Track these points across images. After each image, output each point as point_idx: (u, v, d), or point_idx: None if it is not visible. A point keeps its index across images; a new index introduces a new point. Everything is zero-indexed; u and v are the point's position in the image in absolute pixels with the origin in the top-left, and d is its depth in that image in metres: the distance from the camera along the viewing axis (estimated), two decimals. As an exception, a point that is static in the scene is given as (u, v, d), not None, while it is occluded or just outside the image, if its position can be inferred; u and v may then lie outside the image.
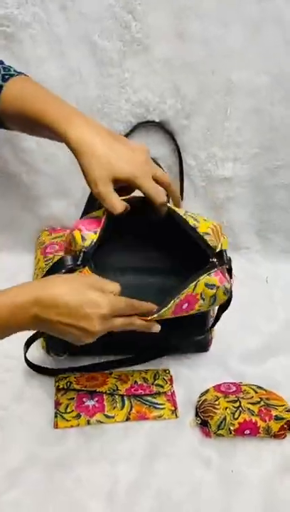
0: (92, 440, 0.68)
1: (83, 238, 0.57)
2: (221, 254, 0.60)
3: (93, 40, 0.73)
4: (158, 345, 0.75)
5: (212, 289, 0.60)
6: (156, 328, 0.58)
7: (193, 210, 0.90)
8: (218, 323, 0.71)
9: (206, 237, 0.60)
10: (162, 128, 0.82)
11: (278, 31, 0.75)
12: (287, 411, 0.69)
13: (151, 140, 0.83)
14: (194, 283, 0.58)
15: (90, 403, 0.70)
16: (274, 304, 0.91)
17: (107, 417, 0.69)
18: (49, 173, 0.83)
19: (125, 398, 0.71)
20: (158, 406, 0.70)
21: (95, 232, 0.58)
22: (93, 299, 0.51)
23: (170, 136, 0.83)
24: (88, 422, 0.68)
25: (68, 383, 0.71)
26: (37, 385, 0.73)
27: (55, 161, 0.81)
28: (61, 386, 0.71)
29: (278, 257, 0.98)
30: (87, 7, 0.70)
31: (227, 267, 0.61)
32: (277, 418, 0.67)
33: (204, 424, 0.68)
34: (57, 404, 0.70)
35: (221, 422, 0.66)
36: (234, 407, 0.67)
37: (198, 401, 0.70)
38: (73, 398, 0.70)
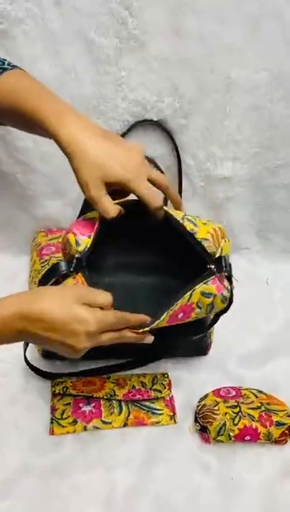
0: (88, 446, 0.67)
1: (77, 243, 0.56)
2: (220, 261, 0.58)
3: (89, 37, 0.71)
4: (157, 347, 0.73)
5: (209, 297, 0.58)
6: (149, 339, 0.56)
7: (192, 210, 0.90)
8: (217, 326, 0.70)
9: (204, 243, 0.58)
10: (160, 127, 0.81)
11: (278, 28, 0.74)
12: (288, 416, 0.67)
13: (148, 139, 0.82)
14: (189, 293, 0.56)
15: (87, 409, 0.68)
16: (274, 304, 0.90)
17: (104, 423, 0.67)
18: (45, 172, 0.82)
19: (122, 403, 0.69)
20: (156, 411, 0.69)
21: (89, 237, 0.56)
22: (80, 315, 0.49)
23: (169, 135, 0.81)
24: (85, 428, 0.67)
25: (64, 388, 0.69)
26: (33, 390, 0.72)
27: (50, 160, 0.80)
28: (57, 391, 0.69)
29: (278, 257, 0.97)
30: (82, 2, 0.69)
31: (226, 274, 0.58)
32: (278, 424, 0.66)
33: (203, 430, 0.66)
34: (53, 409, 0.68)
35: (220, 428, 0.65)
36: (234, 412, 0.66)
37: (197, 406, 0.69)
38: (69, 403, 0.69)
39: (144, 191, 0.54)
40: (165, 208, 0.58)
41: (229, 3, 0.71)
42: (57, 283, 0.55)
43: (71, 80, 0.75)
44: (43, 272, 0.57)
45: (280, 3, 0.72)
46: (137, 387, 0.71)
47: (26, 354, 0.68)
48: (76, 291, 0.52)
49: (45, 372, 0.72)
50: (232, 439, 0.65)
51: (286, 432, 0.66)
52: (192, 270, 0.57)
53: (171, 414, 0.69)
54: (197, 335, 0.69)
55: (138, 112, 0.79)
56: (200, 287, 0.56)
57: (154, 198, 0.55)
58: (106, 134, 0.54)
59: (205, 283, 0.57)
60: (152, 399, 0.70)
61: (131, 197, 0.57)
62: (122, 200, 0.57)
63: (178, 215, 0.60)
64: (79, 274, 0.55)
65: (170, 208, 0.60)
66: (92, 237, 0.56)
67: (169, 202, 0.61)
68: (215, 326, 0.69)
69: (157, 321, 0.54)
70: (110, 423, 0.67)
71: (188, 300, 0.56)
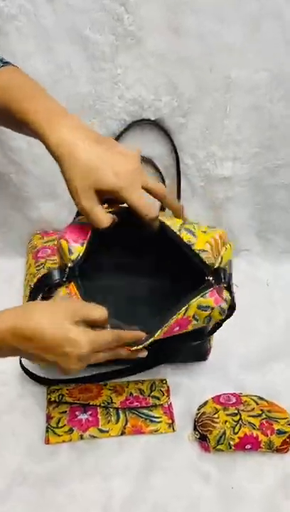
0: (85, 455, 0.65)
1: (70, 251, 0.53)
2: (218, 272, 0.55)
3: (84, 34, 0.69)
4: (156, 353, 0.71)
5: (206, 310, 0.56)
6: (143, 354, 0.55)
7: (192, 211, 0.89)
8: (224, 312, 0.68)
9: (202, 255, 0.55)
10: (157, 126, 0.78)
11: (278, 27, 0.72)
12: (289, 424, 0.66)
13: (146, 139, 0.80)
14: (185, 307, 0.54)
15: (83, 417, 0.67)
16: (274, 307, 0.89)
17: (101, 431, 0.66)
18: (39, 173, 0.80)
19: (120, 411, 0.68)
20: (154, 419, 0.68)
21: (82, 244, 0.54)
22: (72, 337, 0.47)
23: (167, 134, 0.79)
24: (81, 437, 0.65)
25: (60, 396, 0.68)
26: (29, 398, 0.70)
27: (45, 161, 0.77)
28: (53, 399, 0.68)
29: (278, 258, 0.96)
30: (76, -2, 0.67)
31: (225, 285, 0.56)
32: (279, 432, 0.64)
33: (203, 439, 0.65)
34: (48, 418, 0.67)
35: (220, 437, 0.63)
36: (234, 420, 0.64)
37: (197, 414, 0.67)
38: (65, 412, 0.67)
39: (137, 201, 0.51)
40: (160, 218, 0.55)
41: (229, 3, 0.69)
42: (50, 291, 0.54)
43: (65, 77, 0.72)
44: (36, 280, 0.55)
45: (280, 3, 0.70)
46: (135, 394, 0.69)
47: (22, 359, 0.67)
48: (69, 307, 0.50)
49: (41, 378, 0.70)
50: (233, 447, 0.64)
51: (288, 440, 0.65)
52: (189, 281, 0.55)
53: (170, 422, 0.68)
54: (197, 341, 0.68)
55: (136, 111, 0.77)
56: (196, 301, 0.54)
57: (148, 208, 0.52)
58: (99, 138, 0.51)
59: (202, 296, 0.54)
60: (150, 406, 0.68)
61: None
62: (116, 207, 0.55)
63: (176, 223, 0.56)
64: (72, 283, 0.53)
65: (167, 218, 0.57)
66: (84, 245, 0.53)
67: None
68: (215, 330, 0.67)
69: (152, 338, 0.53)
70: (107, 432, 0.66)
71: (184, 314, 0.54)
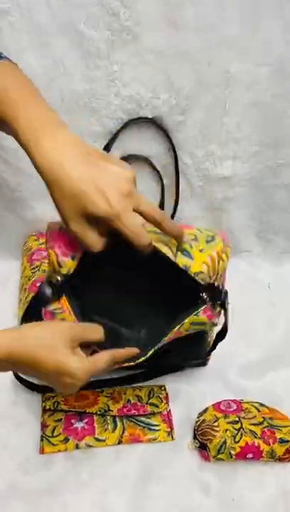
0: (81, 464, 0.64)
1: (59, 264, 0.51)
2: (213, 289, 0.53)
3: (78, 29, 0.67)
4: (156, 367, 0.71)
5: (198, 325, 0.55)
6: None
7: (190, 212, 0.87)
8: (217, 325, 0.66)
9: (199, 277, 0.53)
10: (155, 124, 0.76)
11: (279, 20, 0.69)
12: (292, 432, 0.64)
13: (143, 137, 0.78)
14: (178, 327, 0.53)
15: (79, 425, 0.65)
16: (275, 309, 0.87)
17: (98, 440, 0.64)
18: (33, 172, 0.76)
19: (117, 419, 0.66)
20: (152, 427, 0.65)
21: (73, 258, 0.51)
22: (68, 370, 0.47)
23: (165, 133, 0.77)
24: (77, 446, 0.63)
25: (55, 403, 0.66)
26: (23, 405, 0.68)
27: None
28: (48, 406, 0.65)
29: (279, 258, 0.94)
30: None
31: (219, 302, 0.55)
32: (282, 441, 0.62)
33: (203, 448, 0.63)
34: (43, 426, 0.65)
35: (221, 446, 0.61)
36: (235, 428, 0.62)
37: (196, 421, 0.65)
38: (61, 420, 0.65)
39: (129, 230, 0.47)
40: (155, 244, 0.51)
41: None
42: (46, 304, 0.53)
43: (60, 75, 0.70)
44: (30, 300, 0.56)
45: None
46: (132, 402, 0.67)
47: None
48: (67, 333, 0.49)
49: (35, 385, 0.68)
50: (233, 457, 0.62)
51: (291, 449, 0.63)
52: (183, 296, 0.54)
53: (169, 430, 0.66)
54: (197, 359, 0.68)
55: (133, 109, 0.74)
56: (189, 319, 0.53)
57: (140, 236, 0.47)
58: (88, 155, 0.46)
59: (195, 314, 0.53)
60: (148, 414, 0.66)
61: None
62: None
63: (172, 245, 0.52)
64: (64, 298, 0.52)
65: (162, 238, 0.52)
66: (76, 260, 0.50)
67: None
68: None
69: (144, 357, 0.53)
70: (104, 440, 0.64)
71: (177, 330, 0.54)
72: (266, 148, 0.80)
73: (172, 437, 0.65)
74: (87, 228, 0.47)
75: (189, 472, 0.63)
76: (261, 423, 0.64)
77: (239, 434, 0.62)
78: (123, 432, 0.64)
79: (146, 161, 0.80)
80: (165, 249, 0.52)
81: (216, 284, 0.54)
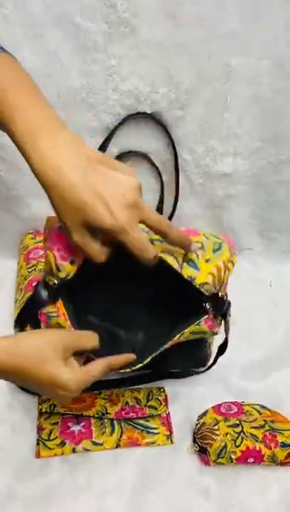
0: (78, 469, 0.62)
1: (58, 268, 0.49)
2: (217, 299, 0.52)
3: (74, 21, 0.65)
4: (156, 372, 0.70)
5: (199, 334, 0.54)
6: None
7: (190, 209, 0.85)
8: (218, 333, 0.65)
9: (204, 288, 0.51)
10: (154, 119, 0.74)
11: (281, 12, 0.67)
12: (294, 436, 0.62)
13: (142, 133, 0.76)
14: (178, 336, 0.52)
15: (76, 428, 0.63)
16: (277, 308, 0.86)
17: (95, 444, 0.62)
18: (29, 169, 0.75)
19: (115, 422, 0.64)
20: (151, 431, 0.64)
21: (72, 262, 0.48)
22: (60, 381, 0.46)
23: (164, 128, 0.75)
24: (73, 450, 0.62)
25: (52, 406, 0.64)
26: (19, 408, 0.67)
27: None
28: (44, 409, 0.64)
29: (281, 257, 0.93)
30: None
31: (221, 312, 0.53)
32: (283, 445, 0.61)
33: (202, 452, 0.61)
34: (39, 429, 0.63)
35: (221, 450, 0.60)
36: (235, 432, 0.61)
37: (196, 424, 0.63)
38: (57, 423, 0.64)
39: (134, 244, 0.44)
40: (160, 255, 0.49)
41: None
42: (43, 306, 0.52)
43: (56, 69, 0.68)
44: (25, 301, 0.54)
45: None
46: (131, 404, 0.66)
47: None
48: (60, 343, 0.47)
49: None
50: (234, 461, 0.60)
51: (293, 453, 0.61)
52: (186, 306, 0.52)
53: (168, 433, 0.64)
54: (197, 368, 0.67)
55: (131, 104, 0.72)
56: (190, 329, 0.52)
57: (146, 250, 0.45)
58: (90, 161, 0.43)
59: (196, 324, 0.52)
60: (147, 417, 0.65)
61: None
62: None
63: (178, 255, 0.50)
64: (60, 301, 0.50)
65: (167, 247, 0.50)
66: (75, 265, 0.48)
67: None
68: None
69: (141, 364, 0.52)
70: (101, 444, 0.62)
71: (177, 339, 0.53)
72: (267, 144, 0.78)
73: (171, 441, 0.64)
74: (89, 239, 0.45)
75: (188, 476, 0.62)
76: (262, 426, 0.62)
77: (240, 437, 0.60)
78: (121, 436, 0.63)
79: (144, 157, 0.78)
80: (170, 260, 0.50)
81: (220, 295, 0.52)
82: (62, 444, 0.62)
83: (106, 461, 0.62)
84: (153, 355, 0.52)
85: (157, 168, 0.79)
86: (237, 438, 0.60)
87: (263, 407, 0.66)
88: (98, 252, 0.46)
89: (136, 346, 0.55)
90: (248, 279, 0.88)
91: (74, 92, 0.70)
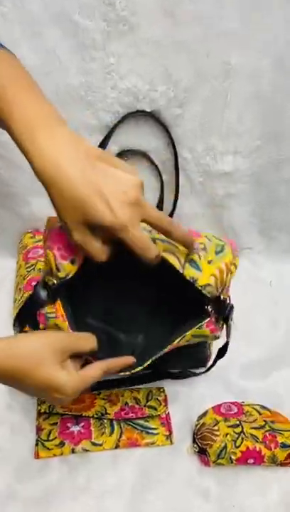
0: (77, 469, 0.62)
1: (57, 268, 0.48)
2: (219, 302, 0.51)
3: (73, 20, 0.64)
4: (156, 373, 0.69)
5: (201, 337, 0.54)
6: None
7: (190, 209, 0.84)
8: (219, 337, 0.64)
9: (206, 289, 0.50)
10: (153, 118, 0.74)
11: (280, 9, 0.67)
12: (294, 436, 0.62)
13: (141, 132, 0.75)
14: (179, 339, 0.52)
15: (75, 429, 0.63)
16: (278, 307, 0.85)
17: (94, 444, 0.62)
18: (29, 167, 0.75)
19: (114, 423, 0.64)
20: (150, 431, 0.64)
21: (72, 261, 0.48)
22: (56, 385, 0.46)
23: (163, 127, 0.75)
24: (73, 451, 0.62)
25: (51, 407, 0.64)
26: (18, 409, 0.66)
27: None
28: (43, 410, 0.64)
29: (281, 256, 0.92)
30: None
31: (224, 315, 0.53)
32: (284, 446, 0.60)
33: (202, 452, 0.61)
34: (38, 430, 0.63)
35: (221, 451, 0.59)
36: (235, 433, 0.60)
37: (196, 425, 0.63)
38: (56, 423, 0.63)
39: (136, 243, 0.43)
40: (163, 254, 0.48)
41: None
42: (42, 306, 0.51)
43: (55, 67, 0.68)
44: (24, 301, 0.53)
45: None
46: (130, 404, 0.65)
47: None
48: (57, 346, 0.47)
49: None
50: (234, 462, 0.60)
51: (293, 453, 0.61)
52: (188, 306, 0.52)
53: (167, 433, 0.64)
54: (197, 368, 0.67)
55: (130, 102, 0.72)
56: (191, 332, 0.51)
57: (148, 249, 0.45)
58: (90, 157, 0.42)
59: (198, 327, 0.51)
60: (146, 417, 0.64)
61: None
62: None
63: (180, 255, 0.50)
64: (59, 302, 0.50)
65: (170, 247, 0.50)
66: (76, 264, 0.48)
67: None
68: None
69: (141, 367, 0.51)
70: (101, 445, 0.62)
71: (178, 343, 0.53)
72: (268, 143, 0.78)
73: (171, 441, 0.63)
74: (90, 238, 0.44)
75: (188, 477, 0.62)
76: (262, 427, 0.62)
77: (240, 438, 0.60)
78: (120, 436, 0.63)
79: (144, 156, 0.77)
80: (172, 259, 0.49)
81: (222, 298, 0.52)
82: (62, 444, 0.62)
83: (106, 462, 0.62)
84: (153, 358, 0.51)
85: (157, 166, 0.79)
86: (237, 438, 0.60)
87: (263, 407, 0.66)
88: (99, 250, 0.45)
89: (136, 349, 0.55)
90: (248, 279, 0.87)
91: (72, 90, 0.70)
